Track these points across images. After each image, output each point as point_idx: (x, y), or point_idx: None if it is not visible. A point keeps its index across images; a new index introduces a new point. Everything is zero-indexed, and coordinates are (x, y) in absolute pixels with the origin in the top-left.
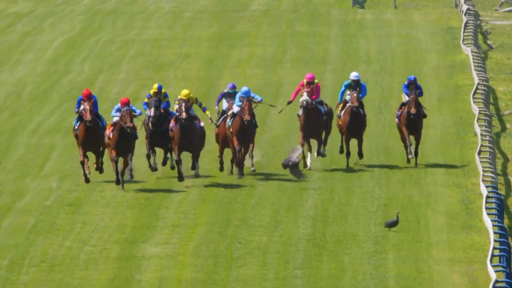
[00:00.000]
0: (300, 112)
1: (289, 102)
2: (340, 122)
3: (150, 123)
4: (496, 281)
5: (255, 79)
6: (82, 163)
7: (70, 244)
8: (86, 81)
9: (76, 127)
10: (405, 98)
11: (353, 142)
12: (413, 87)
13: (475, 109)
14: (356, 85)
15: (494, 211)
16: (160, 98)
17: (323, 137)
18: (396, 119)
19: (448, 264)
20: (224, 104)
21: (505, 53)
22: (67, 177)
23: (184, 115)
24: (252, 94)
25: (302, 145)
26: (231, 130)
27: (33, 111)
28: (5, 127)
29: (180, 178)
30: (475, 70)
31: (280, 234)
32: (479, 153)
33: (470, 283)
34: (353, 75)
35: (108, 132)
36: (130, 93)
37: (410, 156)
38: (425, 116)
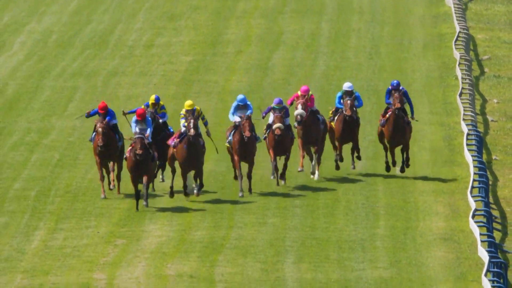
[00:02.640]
0: (296, 124)
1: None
2: (333, 126)
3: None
4: (476, 210)
5: (258, 28)
6: (100, 177)
7: (91, 176)
8: (106, 30)
9: (92, 137)
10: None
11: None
12: (396, 92)
13: (457, 54)
14: (350, 96)
15: (474, 147)
16: (156, 110)
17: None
18: (381, 127)
19: (433, 195)
20: (270, 117)
21: (483, 4)
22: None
23: (192, 131)
24: (248, 103)
25: (303, 157)
26: (230, 145)
27: (58, 57)
28: (33, 71)
29: (171, 194)
30: (456, 20)
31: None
32: (460, 95)
33: (452, 211)
34: (346, 85)
35: (126, 153)
36: (145, 41)
37: (396, 168)
38: (408, 122)
